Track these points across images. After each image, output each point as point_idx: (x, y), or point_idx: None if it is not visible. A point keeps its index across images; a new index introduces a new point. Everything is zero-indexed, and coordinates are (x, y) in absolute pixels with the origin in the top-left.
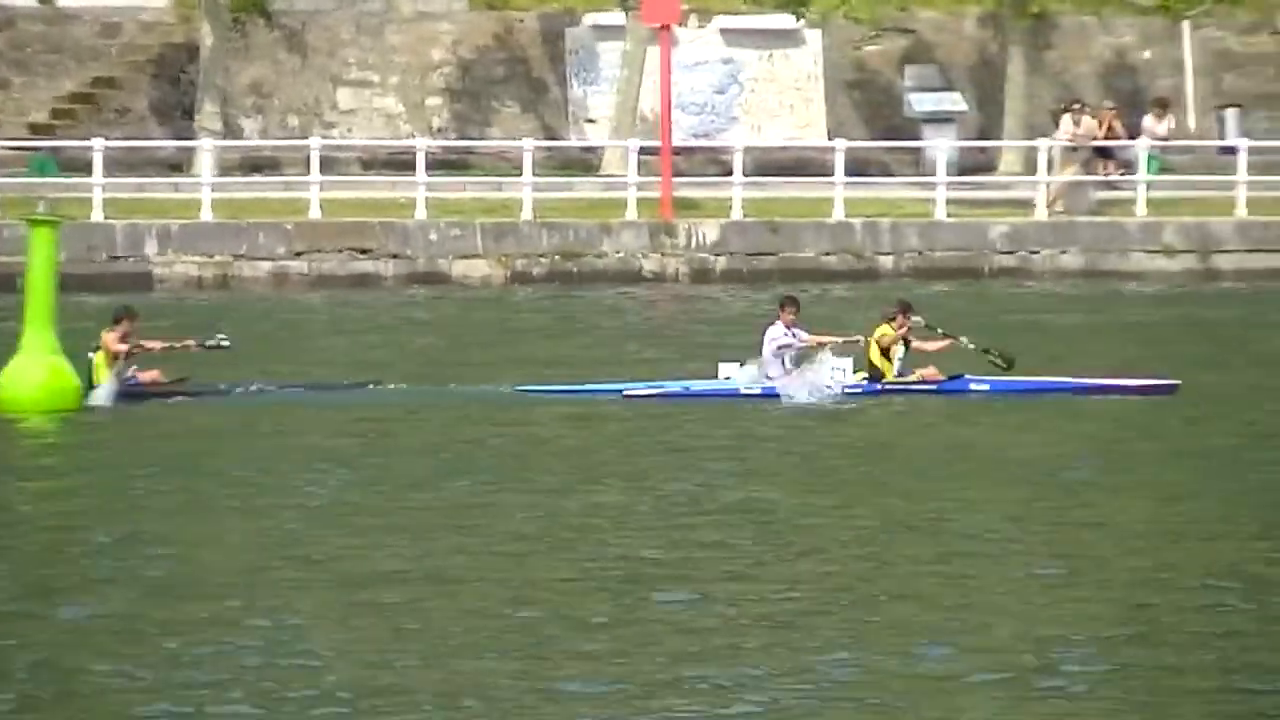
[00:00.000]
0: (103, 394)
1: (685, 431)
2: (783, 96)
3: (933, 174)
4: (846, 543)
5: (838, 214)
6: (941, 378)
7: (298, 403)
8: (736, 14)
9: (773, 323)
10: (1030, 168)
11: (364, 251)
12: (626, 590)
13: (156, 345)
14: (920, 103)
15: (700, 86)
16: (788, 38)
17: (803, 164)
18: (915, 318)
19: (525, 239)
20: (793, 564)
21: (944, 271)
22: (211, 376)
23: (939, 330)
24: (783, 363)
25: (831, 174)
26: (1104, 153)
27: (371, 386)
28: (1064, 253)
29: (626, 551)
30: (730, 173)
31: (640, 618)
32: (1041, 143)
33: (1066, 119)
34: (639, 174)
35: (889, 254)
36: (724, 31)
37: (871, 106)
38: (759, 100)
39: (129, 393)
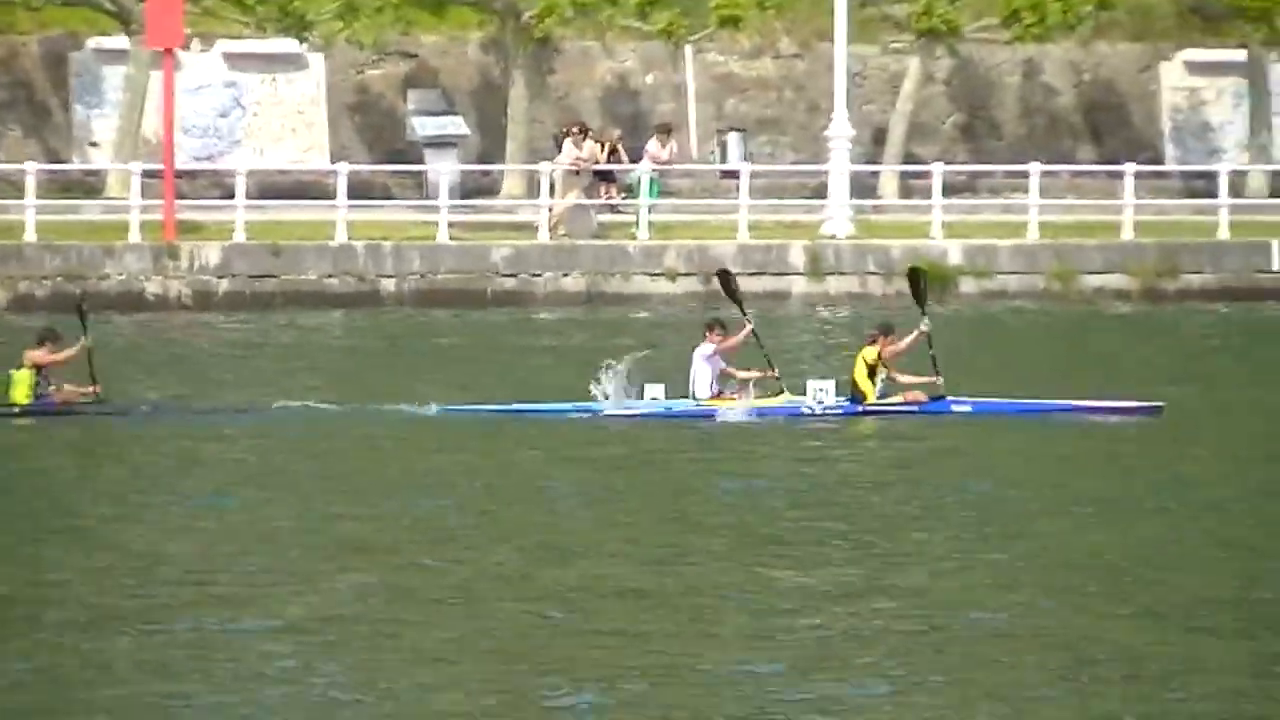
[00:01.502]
0: None
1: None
2: (286, 120)
3: (435, 197)
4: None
5: (340, 237)
6: (924, 399)
7: (227, 425)
8: (239, 38)
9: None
10: (533, 191)
11: None
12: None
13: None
14: (423, 127)
15: (203, 110)
16: (290, 61)
17: (305, 187)
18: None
19: (28, 261)
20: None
21: (446, 295)
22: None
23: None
24: (710, 384)
25: (334, 197)
26: (606, 176)
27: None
28: (566, 275)
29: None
30: (233, 195)
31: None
32: (543, 166)
33: (568, 143)
34: (142, 197)
35: (391, 277)
36: (227, 55)
37: (374, 130)
38: (262, 124)
39: (42, 411)
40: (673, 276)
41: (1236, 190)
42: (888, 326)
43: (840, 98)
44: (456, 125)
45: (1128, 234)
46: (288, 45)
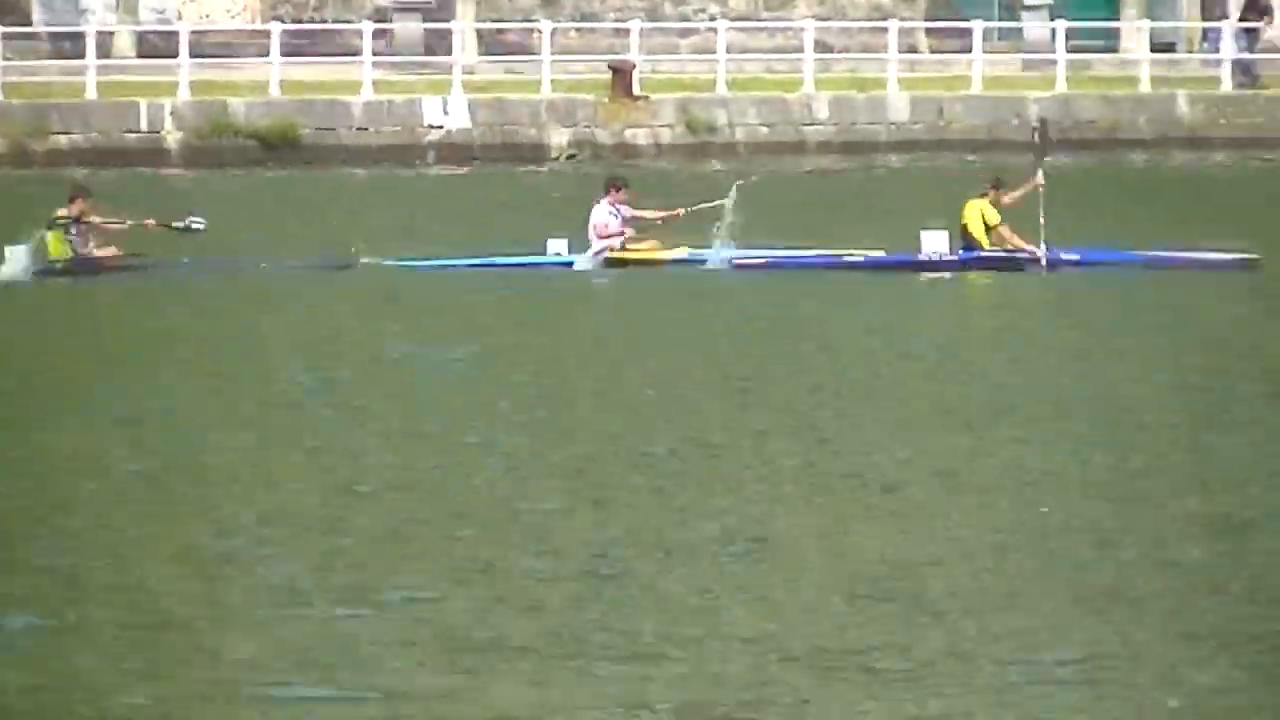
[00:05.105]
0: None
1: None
2: None
3: None
4: None
5: None
6: (1032, 248)
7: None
8: None
9: (597, 203)
10: None
11: None
12: None
13: (114, 223)
14: None
15: None
16: None
17: None
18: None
19: None
20: None
21: None
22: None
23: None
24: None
25: None
26: None
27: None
28: None
29: None
30: None
31: None
32: None
33: None
34: None
35: None
36: None
37: None
38: None
39: (82, 268)
40: None
41: (105, 51)
42: (998, 178)
43: None
44: None
45: None
46: None
